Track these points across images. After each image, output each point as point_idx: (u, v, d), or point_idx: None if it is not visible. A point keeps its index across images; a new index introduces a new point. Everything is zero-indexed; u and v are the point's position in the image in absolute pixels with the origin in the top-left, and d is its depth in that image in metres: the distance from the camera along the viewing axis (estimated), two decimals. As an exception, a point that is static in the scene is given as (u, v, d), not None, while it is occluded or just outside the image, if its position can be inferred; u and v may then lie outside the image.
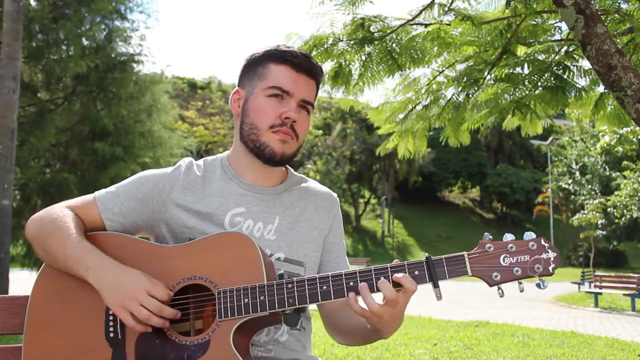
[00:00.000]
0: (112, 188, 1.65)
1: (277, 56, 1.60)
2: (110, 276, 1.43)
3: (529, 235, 1.43)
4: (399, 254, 46.06)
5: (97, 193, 1.64)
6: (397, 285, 1.40)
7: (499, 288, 1.41)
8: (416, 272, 1.41)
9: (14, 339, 7.12)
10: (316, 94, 1.68)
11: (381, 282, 1.39)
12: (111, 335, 1.45)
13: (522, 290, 1.39)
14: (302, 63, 1.60)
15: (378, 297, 1.42)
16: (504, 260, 1.40)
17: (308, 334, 1.68)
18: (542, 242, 1.42)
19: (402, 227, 55.05)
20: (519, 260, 1.40)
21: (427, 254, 1.42)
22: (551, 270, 1.40)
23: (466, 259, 1.41)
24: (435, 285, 1.40)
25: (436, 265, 1.40)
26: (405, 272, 1.41)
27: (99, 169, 12.61)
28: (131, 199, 1.61)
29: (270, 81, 1.59)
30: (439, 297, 1.39)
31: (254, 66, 1.64)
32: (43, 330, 1.50)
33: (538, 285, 1.39)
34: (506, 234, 1.44)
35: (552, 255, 1.40)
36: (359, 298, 1.41)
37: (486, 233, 1.44)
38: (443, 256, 1.42)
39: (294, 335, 1.62)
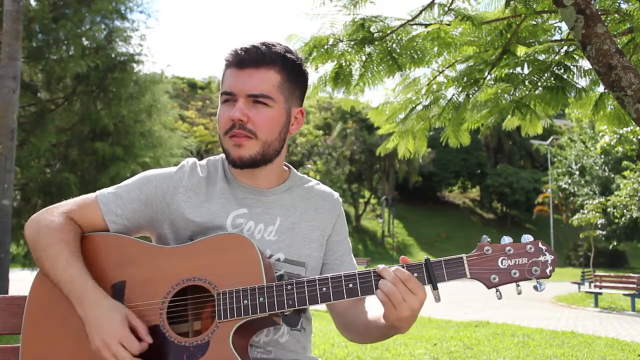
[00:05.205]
0: (114, 188, 1.63)
1: (226, 61, 1.57)
2: (92, 316, 1.42)
3: (527, 238, 1.43)
4: (399, 254, 45.90)
5: (98, 193, 1.61)
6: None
7: (497, 290, 1.41)
8: (415, 274, 1.41)
9: (13, 339, 7.11)
10: (282, 80, 1.55)
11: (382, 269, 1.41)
12: None
13: (519, 293, 1.41)
14: (244, 59, 1.52)
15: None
16: (502, 263, 1.41)
17: (308, 335, 1.67)
18: (540, 245, 1.42)
19: (402, 227, 55.00)
20: (517, 263, 1.41)
21: (425, 257, 1.42)
22: (548, 273, 1.41)
23: (465, 262, 1.41)
24: (434, 288, 1.40)
25: (435, 268, 1.41)
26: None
27: (99, 169, 12.61)
28: (134, 200, 1.59)
29: (222, 88, 1.57)
30: (437, 299, 1.39)
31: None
32: (41, 329, 1.50)
33: (535, 288, 1.40)
34: (504, 237, 1.44)
35: (549, 257, 1.41)
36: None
37: (484, 236, 1.44)
38: (442, 259, 1.42)
39: (294, 336, 1.61)
